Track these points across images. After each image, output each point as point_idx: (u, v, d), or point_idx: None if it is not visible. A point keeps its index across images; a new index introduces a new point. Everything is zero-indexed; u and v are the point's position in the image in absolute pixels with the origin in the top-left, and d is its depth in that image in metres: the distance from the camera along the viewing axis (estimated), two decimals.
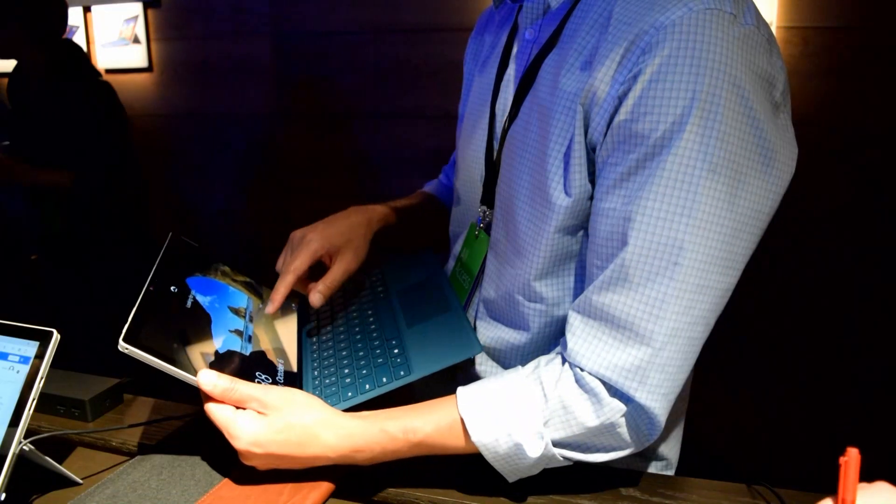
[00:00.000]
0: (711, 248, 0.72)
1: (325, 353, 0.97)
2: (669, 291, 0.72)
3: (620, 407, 0.74)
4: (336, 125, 2.80)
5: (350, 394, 0.84)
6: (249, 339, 0.94)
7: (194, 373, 0.77)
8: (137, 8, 2.92)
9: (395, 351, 0.90)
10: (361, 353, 0.93)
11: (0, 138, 2.36)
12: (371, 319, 1.00)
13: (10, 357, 0.78)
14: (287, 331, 1.02)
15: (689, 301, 0.72)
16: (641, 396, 0.73)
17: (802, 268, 2.29)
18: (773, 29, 2.16)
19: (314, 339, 1.02)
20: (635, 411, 0.75)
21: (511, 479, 0.79)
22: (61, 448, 0.91)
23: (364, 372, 0.88)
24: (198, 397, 0.79)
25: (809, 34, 2.18)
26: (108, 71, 3.00)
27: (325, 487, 0.78)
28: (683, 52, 0.70)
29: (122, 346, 0.74)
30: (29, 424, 0.75)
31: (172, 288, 0.90)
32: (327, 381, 0.90)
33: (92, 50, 3.08)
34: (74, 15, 3.03)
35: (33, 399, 0.76)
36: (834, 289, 2.28)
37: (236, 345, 0.90)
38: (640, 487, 0.81)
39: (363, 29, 2.62)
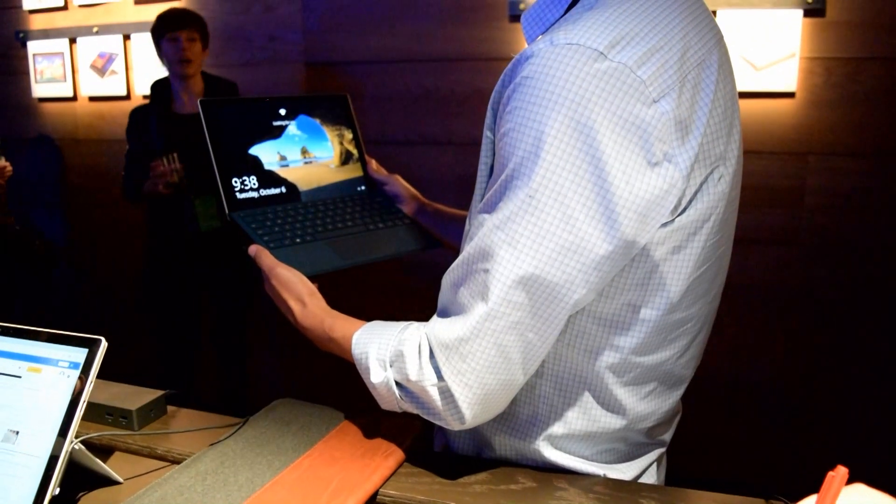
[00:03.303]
0: (519, 268, 0.74)
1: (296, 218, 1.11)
2: (475, 295, 0.77)
3: (433, 376, 0.79)
4: (367, 152, 2.86)
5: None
6: (284, 166, 1.15)
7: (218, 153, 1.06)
8: None
9: None
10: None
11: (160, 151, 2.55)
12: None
13: (60, 363, 0.84)
14: (315, 187, 1.18)
15: (494, 312, 0.76)
16: (447, 373, 0.78)
17: (831, 292, 2.30)
18: (796, 59, 2.20)
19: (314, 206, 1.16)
20: (445, 386, 0.79)
21: (381, 404, 0.88)
22: (106, 455, 0.97)
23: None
24: (242, 411, 0.98)
25: (832, 64, 2.21)
26: (146, 97, 3.10)
27: (361, 494, 0.83)
28: (531, 85, 0.71)
29: (200, 104, 1.05)
30: (77, 430, 0.81)
31: (282, 111, 1.16)
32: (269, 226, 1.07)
33: (130, 77, 3.18)
34: (115, 43, 3.14)
35: (84, 400, 0.82)
36: (860, 304, 2.28)
37: (267, 158, 1.13)
38: (658, 500, 0.83)
39: (393, 58, 2.70)
